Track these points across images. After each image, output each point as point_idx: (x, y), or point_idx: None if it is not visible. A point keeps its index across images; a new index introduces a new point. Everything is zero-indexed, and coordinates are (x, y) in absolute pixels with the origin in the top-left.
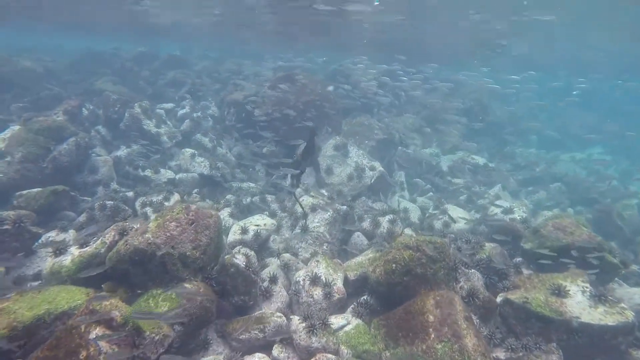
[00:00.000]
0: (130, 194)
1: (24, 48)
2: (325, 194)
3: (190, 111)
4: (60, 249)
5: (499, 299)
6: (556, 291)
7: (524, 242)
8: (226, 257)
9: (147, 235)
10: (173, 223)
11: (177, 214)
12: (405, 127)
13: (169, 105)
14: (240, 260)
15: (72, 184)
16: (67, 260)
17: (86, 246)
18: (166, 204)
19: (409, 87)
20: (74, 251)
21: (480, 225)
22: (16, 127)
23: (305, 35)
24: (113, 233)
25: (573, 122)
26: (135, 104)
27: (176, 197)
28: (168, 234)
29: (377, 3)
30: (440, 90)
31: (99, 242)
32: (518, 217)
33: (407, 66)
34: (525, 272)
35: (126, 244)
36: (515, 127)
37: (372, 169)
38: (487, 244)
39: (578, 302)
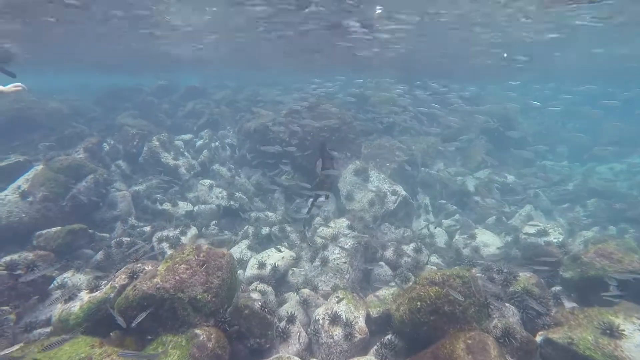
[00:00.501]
0: (148, 228)
1: (52, 89)
2: (345, 222)
3: (208, 141)
4: (70, 295)
5: (538, 338)
6: (607, 330)
7: (564, 270)
8: (241, 298)
9: (156, 280)
10: (183, 265)
11: (187, 255)
12: (428, 147)
13: (188, 137)
14: (255, 299)
15: (91, 220)
16: (75, 307)
17: (96, 291)
18: (182, 238)
19: (431, 106)
20: (84, 296)
21: (512, 249)
22: (39, 167)
23: (326, 57)
24: (123, 276)
25: (611, 131)
26: (154, 138)
27: (193, 230)
28: (177, 278)
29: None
30: (462, 109)
31: (108, 286)
32: (554, 240)
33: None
34: (567, 304)
35: (135, 289)
36: (544, 140)
37: (394, 193)
38: (521, 274)
39: (637, 346)
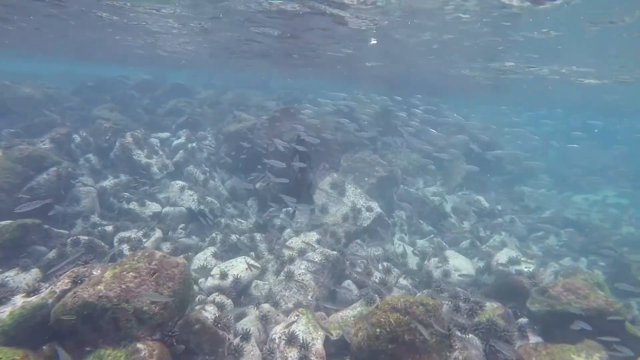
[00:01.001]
0: (110, 228)
1: (31, 74)
2: (315, 236)
3: (185, 141)
4: (1, 298)
5: None
6: None
7: (530, 302)
8: (194, 310)
9: (99, 287)
10: (131, 273)
11: (138, 262)
12: (409, 163)
13: (165, 135)
14: (209, 313)
15: (52, 215)
16: (5, 312)
17: (33, 295)
18: (145, 241)
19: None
20: (19, 300)
21: (484, 275)
22: None
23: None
24: (66, 280)
25: (594, 160)
26: (127, 133)
27: (157, 233)
28: (124, 286)
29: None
30: (447, 128)
31: (47, 290)
32: (525, 269)
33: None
34: (532, 337)
35: (74, 296)
36: (518, 165)
37: (370, 209)
38: (488, 304)
39: None
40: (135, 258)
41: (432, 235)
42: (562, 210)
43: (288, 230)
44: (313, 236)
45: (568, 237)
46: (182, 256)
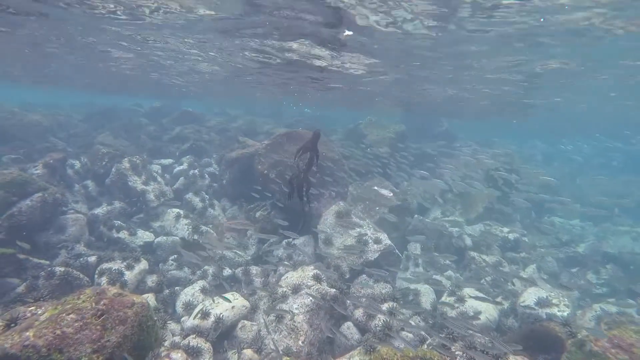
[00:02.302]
0: (93, 258)
1: (54, 105)
2: (313, 271)
3: (187, 168)
4: None
5: None
6: None
7: (567, 358)
8: (158, 359)
9: (27, 334)
10: (72, 315)
11: (83, 302)
12: (425, 191)
13: (168, 161)
14: None
15: (34, 244)
16: None
17: None
18: (127, 273)
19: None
20: None
21: (508, 318)
22: None
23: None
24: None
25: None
26: (125, 159)
27: (142, 265)
28: (59, 332)
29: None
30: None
31: None
32: (558, 314)
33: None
34: None
35: None
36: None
37: (378, 241)
38: (511, 357)
39: None
40: (82, 296)
41: (450, 271)
42: (600, 243)
43: (285, 264)
44: (310, 271)
45: (610, 274)
46: (167, 291)
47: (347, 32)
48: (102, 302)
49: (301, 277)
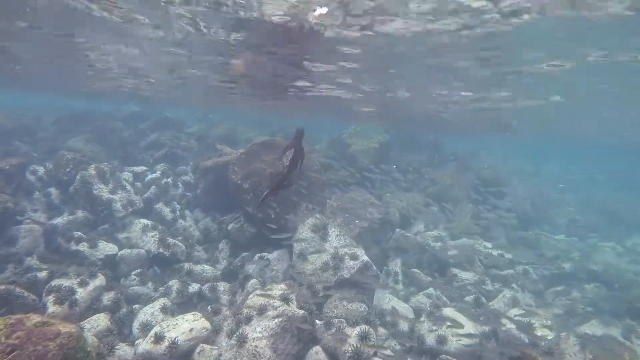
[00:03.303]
0: (43, 274)
1: (29, 107)
2: (282, 289)
3: (160, 176)
4: None
5: None
6: None
7: None
8: None
9: None
10: None
11: None
12: (409, 204)
13: (140, 169)
14: None
15: None
16: None
17: None
18: (80, 291)
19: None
20: None
21: (489, 341)
22: None
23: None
24: None
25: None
26: (91, 166)
27: (98, 281)
28: None
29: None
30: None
31: None
32: (540, 335)
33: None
34: None
35: None
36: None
37: (354, 257)
38: None
39: None
40: None
41: (431, 289)
42: (587, 260)
43: (253, 281)
44: (280, 289)
45: (595, 293)
46: (124, 309)
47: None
48: (14, 335)
49: (268, 297)
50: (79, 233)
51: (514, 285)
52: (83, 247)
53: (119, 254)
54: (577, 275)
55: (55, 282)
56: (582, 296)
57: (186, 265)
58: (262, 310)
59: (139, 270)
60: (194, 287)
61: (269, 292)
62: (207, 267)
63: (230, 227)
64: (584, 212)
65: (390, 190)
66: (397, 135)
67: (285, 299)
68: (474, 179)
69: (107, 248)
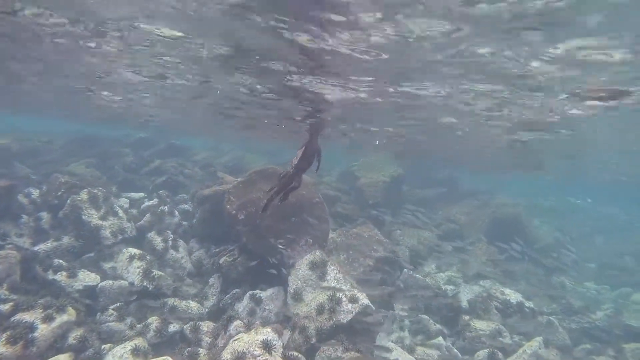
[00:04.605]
0: (7, 306)
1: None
2: (266, 335)
3: (157, 203)
4: None
5: None
6: None
7: None
8: None
9: None
10: None
11: None
12: (419, 242)
13: (139, 195)
14: None
15: None
16: None
17: None
18: (42, 327)
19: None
20: None
21: None
22: None
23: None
24: None
25: None
26: (84, 190)
27: (66, 316)
28: None
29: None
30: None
31: None
32: None
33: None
34: None
35: None
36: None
37: (353, 300)
38: None
39: None
40: None
41: (441, 338)
42: (621, 313)
43: (237, 323)
44: (264, 334)
45: (634, 355)
46: (91, 350)
47: None
48: None
49: (249, 343)
50: (60, 261)
51: (536, 339)
52: (61, 276)
53: (100, 285)
54: (611, 331)
55: (18, 316)
56: (617, 358)
57: (170, 301)
58: (240, 359)
59: (118, 304)
60: (174, 326)
61: (251, 337)
62: (192, 304)
63: (222, 260)
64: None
65: (400, 227)
66: (411, 168)
67: (267, 347)
68: (492, 217)
69: (87, 278)
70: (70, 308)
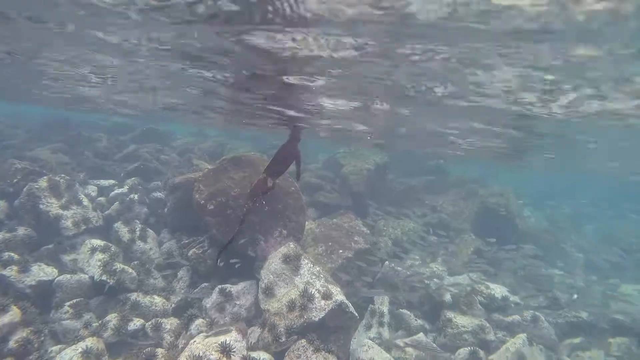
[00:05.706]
0: None
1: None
2: (232, 336)
3: (127, 191)
4: None
5: None
6: None
7: None
8: None
9: None
10: None
11: None
12: (403, 233)
13: (108, 183)
14: None
15: None
16: None
17: None
18: None
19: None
20: None
21: None
22: None
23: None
24: None
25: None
26: (43, 178)
27: (10, 315)
28: None
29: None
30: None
31: None
32: None
33: None
34: None
35: None
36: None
37: (327, 297)
38: None
39: None
40: None
41: (421, 334)
42: (608, 305)
43: (199, 321)
44: (223, 336)
45: (622, 350)
46: (35, 354)
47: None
48: None
49: (207, 346)
50: (10, 254)
51: (520, 336)
52: (10, 271)
53: (57, 279)
54: (598, 325)
55: None
56: (607, 354)
57: (134, 296)
58: None
59: (75, 300)
60: (135, 324)
61: (209, 340)
62: (157, 299)
63: (191, 252)
64: (605, 248)
65: (384, 217)
66: (396, 156)
67: (225, 350)
68: (480, 207)
69: (42, 273)
70: (14, 307)
